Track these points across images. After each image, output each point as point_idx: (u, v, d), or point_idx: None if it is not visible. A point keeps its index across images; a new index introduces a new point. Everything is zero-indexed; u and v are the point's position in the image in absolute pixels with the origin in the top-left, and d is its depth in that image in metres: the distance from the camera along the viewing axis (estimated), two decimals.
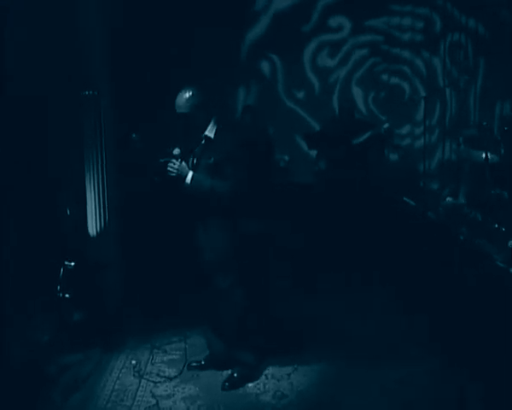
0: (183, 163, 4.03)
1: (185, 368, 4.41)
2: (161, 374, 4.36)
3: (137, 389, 4.17)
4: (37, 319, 4.65)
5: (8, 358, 4.13)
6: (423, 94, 7.67)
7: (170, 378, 4.29)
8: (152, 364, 4.52)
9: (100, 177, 4.98)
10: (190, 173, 4.01)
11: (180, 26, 7.35)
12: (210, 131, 4.06)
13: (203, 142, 4.09)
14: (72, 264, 4.77)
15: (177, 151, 4.05)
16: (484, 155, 6.16)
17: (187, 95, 3.98)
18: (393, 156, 7.75)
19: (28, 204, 4.73)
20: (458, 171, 7.01)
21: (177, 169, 4.01)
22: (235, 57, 7.93)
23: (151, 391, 4.15)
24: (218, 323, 4.28)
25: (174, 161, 4.02)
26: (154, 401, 4.03)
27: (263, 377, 4.32)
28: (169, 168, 4.02)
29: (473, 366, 4.20)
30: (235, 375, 4.23)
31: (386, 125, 7.00)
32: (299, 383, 4.25)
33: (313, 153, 7.24)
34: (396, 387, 4.14)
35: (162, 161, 4.06)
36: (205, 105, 4.01)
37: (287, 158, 7.70)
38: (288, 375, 4.35)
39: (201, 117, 4.03)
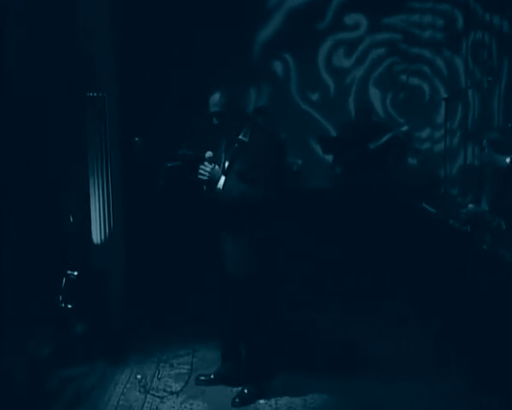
0: (216, 167, 4.03)
1: (190, 380, 4.40)
2: (168, 389, 4.34)
3: (143, 406, 4.16)
4: (38, 326, 4.66)
5: (8, 368, 4.14)
6: (444, 95, 7.61)
7: (177, 394, 4.28)
8: (158, 378, 4.51)
9: (104, 181, 4.99)
10: (223, 178, 4.00)
11: (192, 25, 7.37)
12: (244, 136, 4.06)
13: (236, 145, 4.09)
14: (75, 273, 4.78)
15: (209, 154, 4.03)
16: (508, 160, 6.11)
17: (219, 94, 4.02)
18: (412, 161, 7.71)
19: (28, 205, 4.77)
20: (481, 176, 6.96)
21: (210, 172, 4.00)
22: (246, 57, 7.91)
23: (157, 407, 4.14)
24: (233, 332, 4.29)
25: (206, 163, 4.01)
26: None
27: (275, 392, 4.29)
28: (200, 171, 4.01)
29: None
30: (246, 391, 4.21)
31: (404, 128, 6.96)
32: (312, 399, 4.22)
33: (328, 157, 7.22)
34: (410, 405, 4.14)
35: (169, 165, 4.05)
36: (237, 105, 4.05)
37: (300, 162, 7.68)
38: (301, 390, 4.32)
39: (235, 117, 4.04)
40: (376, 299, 5.82)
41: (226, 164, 4.11)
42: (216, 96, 4.03)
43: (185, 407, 4.14)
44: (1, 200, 4.40)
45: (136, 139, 5.95)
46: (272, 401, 4.19)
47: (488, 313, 4.77)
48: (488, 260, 5.38)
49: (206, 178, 4.01)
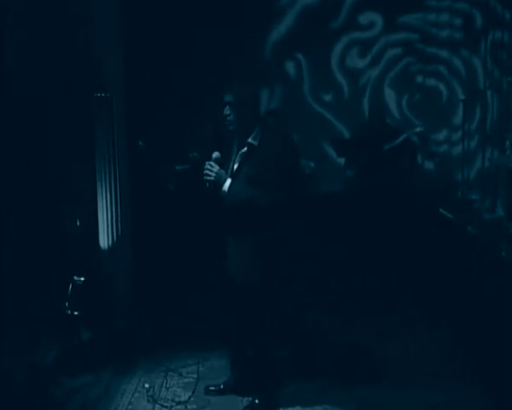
0: (222, 170, 4.00)
1: (199, 390, 4.37)
2: (176, 399, 4.31)
3: None
4: (38, 326, 4.65)
5: (8, 368, 4.13)
6: (462, 97, 7.58)
7: (185, 404, 4.24)
8: (166, 388, 4.48)
9: (112, 185, 4.97)
10: (229, 181, 3.98)
11: (194, 25, 7.38)
12: (254, 139, 4.04)
13: (245, 149, 4.06)
14: (82, 279, 4.76)
15: (216, 155, 4.01)
16: None
17: (235, 87, 4.03)
18: (429, 164, 7.67)
19: (28, 205, 4.78)
20: (497, 180, 6.92)
21: (216, 173, 3.97)
22: (257, 57, 7.89)
23: None
24: (236, 334, 4.26)
25: (213, 164, 3.99)
26: None
27: (286, 402, 4.23)
28: (206, 171, 3.98)
29: None
30: (257, 401, 4.16)
31: (418, 129, 6.92)
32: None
33: (341, 159, 7.20)
34: None
35: (178, 168, 4.02)
36: (250, 102, 4.03)
37: (312, 164, 7.66)
38: (314, 399, 4.27)
39: (246, 114, 4.01)
40: (382, 299, 5.87)
41: (235, 166, 4.09)
42: (231, 90, 4.04)
43: None
44: (1, 200, 4.41)
45: (140, 143, 5.95)
46: None
47: (495, 315, 4.76)
48: (495, 263, 5.37)
49: (212, 178, 3.99)
